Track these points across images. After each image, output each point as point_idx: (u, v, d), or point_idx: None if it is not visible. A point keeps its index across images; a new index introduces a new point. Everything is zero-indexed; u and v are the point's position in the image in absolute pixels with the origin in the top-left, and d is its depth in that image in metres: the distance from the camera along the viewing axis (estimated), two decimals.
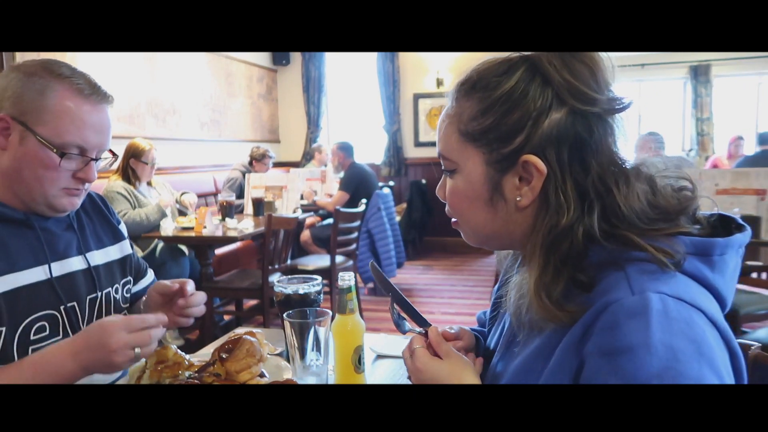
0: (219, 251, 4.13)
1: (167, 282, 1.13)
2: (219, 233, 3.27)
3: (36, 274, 1.02)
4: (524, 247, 0.73)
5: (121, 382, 1.04)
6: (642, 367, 0.56)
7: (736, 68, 6.79)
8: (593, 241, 0.65)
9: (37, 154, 0.98)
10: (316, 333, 0.96)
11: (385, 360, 1.18)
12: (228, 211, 3.60)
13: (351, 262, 4.11)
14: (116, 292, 1.18)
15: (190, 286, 1.09)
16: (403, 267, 5.26)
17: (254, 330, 1.03)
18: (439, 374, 0.76)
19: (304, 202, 4.76)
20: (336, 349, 0.96)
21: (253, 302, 3.81)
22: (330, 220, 4.61)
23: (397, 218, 5.09)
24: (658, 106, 7.38)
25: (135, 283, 1.27)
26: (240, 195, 4.46)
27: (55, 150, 0.98)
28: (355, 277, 0.98)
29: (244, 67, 6.48)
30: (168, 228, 3.23)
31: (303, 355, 0.97)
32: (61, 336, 1.03)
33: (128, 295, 1.23)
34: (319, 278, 1.13)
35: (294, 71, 7.17)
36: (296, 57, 7.15)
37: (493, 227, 0.73)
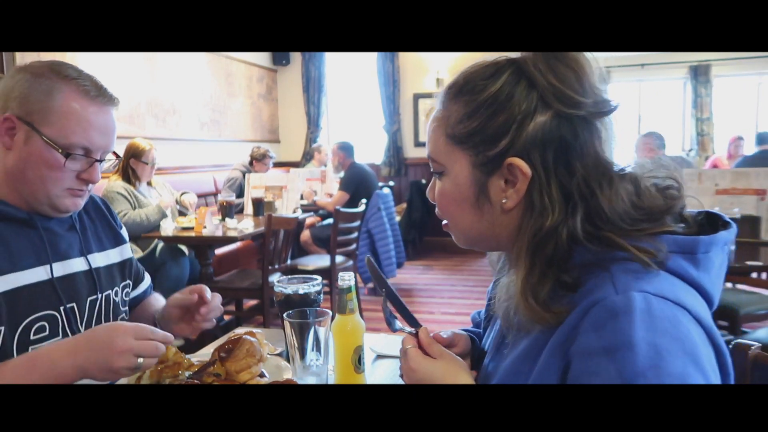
0: (219, 251, 4.13)
1: (182, 295, 1.12)
2: (219, 233, 3.27)
3: (37, 274, 1.02)
4: (511, 249, 0.73)
5: (121, 382, 1.04)
6: (626, 366, 0.56)
7: (736, 68, 6.79)
8: (577, 243, 0.65)
9: (42, 154, 0.98)
10: (316, 333, 0.96)
11: (385, 360, 1.18)
12: (228, 211, 3.60)
13: (351, 262, 4.11)
14: (116, 294, 1.18)
15: (207, 291, 1.09)
16: (403, 267, 5.26)
17: (254, 330, 1.03)
18: (433, 374, 0.76)
19: (304, 202, 4.76)
20: (336, 349, 0.96)
21: (253, 302, 3.81)
22: (330, 220, 4.61)
23: (397, 218, 5.09)
24: (658, 106, 7.38)
25: (134, 287, 1.27)
26: (240, 195, 4.46)
27: (60, 150, 0.98)
28: (355, 277, 0.98)
29: (244, 67, 6.48)
30: (168, 228, 3.23)
31: (303, 355, 0.97)
32: (60, 337, 1.03)
33: (127, 299, 1.23)
34: (319, 278, 1.13)
35: (294, 71, 7.17)
36: (296, 57, 7.15)
37: (480, 229, 0.74)
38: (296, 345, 0.97)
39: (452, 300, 4.62)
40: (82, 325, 1.07)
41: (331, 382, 1.00)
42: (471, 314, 1.06)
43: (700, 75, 6.89)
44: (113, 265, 1.19)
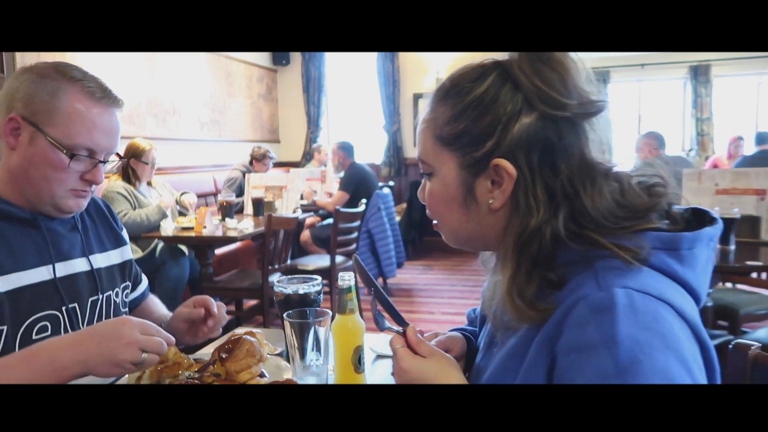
0: (219, 251, 4.13)
1: (187, 308, 1.12)
2: (219, 233, 3.27)
3: (40, 274, 1.02)
4: (498, 249, 0.74)
5: (121, 382, 1.04)
6: (610, 362, 0.57)
7: (736, 68, 6.79)
8: (560, 242, 0.66)
9: (47, 154, 0.99)
10: (316, 333, 0.96)
11: (385, 360, 1.18)
12: (228, 211, 3.60)
13: (351, 262, 4.11)
14: (117, 295, 1.18)
15: (213, 304, 1.09)
16: (403, 267, 5.26)
17: (254, 330, 1.03)
18: (425, 373, 0.76)
19: (304, 202, 4.76)
20: (336, 349, 0.96)
21: (253, 302, 3.81)
22: (330, 220, 4.61)
23: (397, 218, 5.09)
24: (658, 106, 7.38)
25: (132, 289, 1.28)
26: (240, 195, 4.45)
27: (64, 151, 0.99)
28: (355, 277, 0.98)
29: (244, 67, 6.48)
30: (168, 228, 3.23)
31: (303, 355, 0.97)
32: None
33: (127, 300, 1.23)
34: (319, 278, 1.13)
35: (294, 71, 7.17)
36: (296, 57, 7.15)
37: (467, 229, 0.75)
38: (296, 345, 0.97)
39: (452, 300, 4.62)
40: (83, 325, 1.08)
41: (331, 382, 0.99)
42: (467, 312, 1.06)
43: (700, 75, 6.89)
44: (114, 266, 1.20)
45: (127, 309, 1.23)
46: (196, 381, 0.93)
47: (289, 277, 1.14)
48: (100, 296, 1.12)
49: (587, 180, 0.67)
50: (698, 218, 0.71)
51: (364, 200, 4.35)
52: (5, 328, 0.95)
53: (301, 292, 1.09)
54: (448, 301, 4.60)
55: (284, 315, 0.98)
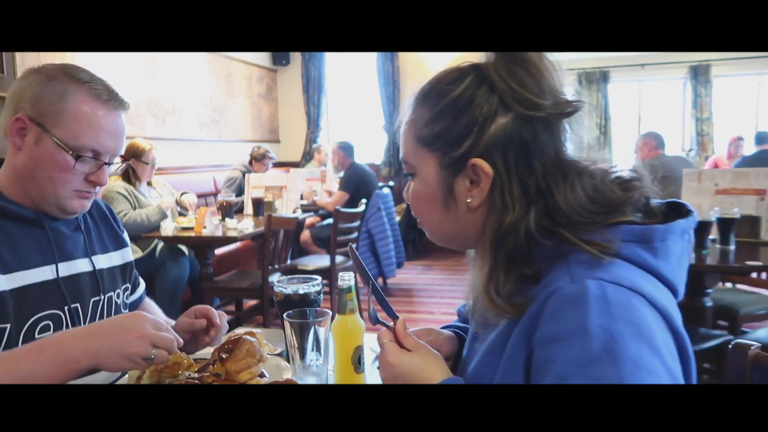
0: (219, 251, 4.13)
1: (189, 319, 1.12)
2: (219, 233, 3.27)
3: (43, 273, 1.03)
4: (477, 247, 0.76)
5: (121, 382, 1.04)
6: (582, 351, 0.58)
7: (736, 68, 6.79)
8: (533, 238, 0.68)
9: (53, 155, 1.00)
10: (316, 333, 0.96)
11: None
12: (228, 211, 3.60)
13: (351, 262, 4.11)
14: (118, 297, 1.19)
15: (215, 314, 1.08)
16: (403, 267, 5.26)
17: (254, 330, 1.03)
18: (412, 367, 0.77)
19: (304, 202, 4.75)
20: (336, 349, 0.96)
21: (253, 302, 3.81)
22: (330, 220, 4.61)
23: (397, 218, 5.09)
24: (658, 106, 7.38)
25: (131, 292, 1.28)
26: (240, 195, 4.45)
27: (70, 152, 1.00)
28: (355, 277, 0.98)
29: (244, 67, 6.48)
30: (168, 228, 3.23)
31: (303, 355, 0.97)
32: None
33: (128, 301, 1.24)
34: (319, 278, 1.13)
35: (294, 71, 7.17)
36: (296, 57, 7.14)
37: (448, 227, 0.77)
38: (296, 345, 0.97)
39: (452, 300, 4.61)
40: (85, 325, 1.08)
41: (331, 382, 1.00)
42: (457, 308, 1.06)
43: (700, 75, 6.89)
44: (115, 268, 1.20)
45: (127, 310, 1.23)
46: (196, 381, 0.93)
47: (289, 277, 1.14)
48: (102, 297, 1.13)
49: (560, 177, 0.69)
50: (675, 211, 0.73)
51: (364, 200, 4.35)
52: (9, 326, 0.95)
53: (301, 292, 1.09)
54: (448, 301, 4.60)
55: (284, 315, 0.98)
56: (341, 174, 4.97)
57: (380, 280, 4.85)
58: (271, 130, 7.19)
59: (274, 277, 3.22)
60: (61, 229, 1.09)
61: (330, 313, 0.98)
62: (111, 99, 1.04)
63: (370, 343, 1.20)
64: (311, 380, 0.98)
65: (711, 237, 2.28)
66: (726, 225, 2.28)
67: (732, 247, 2.27)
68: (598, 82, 7.14)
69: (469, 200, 0.73)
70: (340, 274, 0.96)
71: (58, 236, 1.07)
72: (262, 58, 6.94)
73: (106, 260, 1.18)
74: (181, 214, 3.63)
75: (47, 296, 1.02)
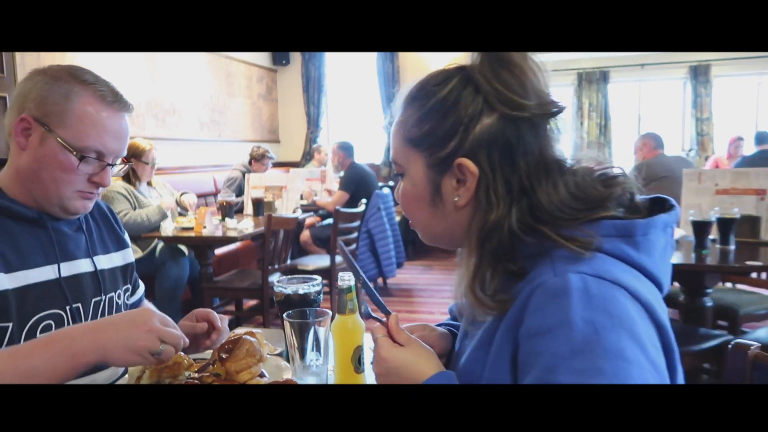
0: (219, 251, 4.13)
1: (190, 323, 1.11)
2: (219, 233, 3.27)
3: (45, 273, 1.03)
4: (463, 245, 0.77)
5: (121, 382, 1.04)
6: (566, 344, 0.59)
7: (736, 68, 6.79)
8: (515, 235, 0.69)
9: (57, 155, 1.00)
10: (316, 333, 0.96)
11: None
12: (228, 211, 3.60)
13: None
14: (119, 297, 1.19)
15: (216, 317, 1.08)
16: (403, 267, 5.26)
17: (254, 330, 1.03)
18: (404, 362, 0.78)
19: (304, 202, 4.75)
20: (336, 349, 0.96)
21: (253, 302, 3.81)
22: (330, 220, 4.61)
23: (397, 218, 5.09)
24: (658, 106, 7.38)
25: (132, 293, 1.28)
26: (240, 195, 4.45)
27: (74, 153, 1.00)
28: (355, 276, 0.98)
29: (244, 67, 6.48)
30: (168, 228, 3.23)
31: (303, 355, 0.97)
32: None
33: (129, 302, 1.24)
34: (319, 278, 1.13)
35: (294, 71, 7.17)
36: (296, 57, 7.15)
37: (437, 226, 0.79)
38: (296, 345, 0.97)
39: (452, 300, 4.60)
40: None
41: (331, 382, 1.00)
42: (449, 306, 1.07)
43: (700, 75, 6.89)
44: (116, 269, 1.21)
45: None
46: (196, 381, 0.93)
47: (289, 277, 1.14)
48: (103, 297, 1.13)
49: (543, 176, 0.70)
50: (659, 206, 0.74)
51: (363, 200, 4.35)
52: (11, 325, 0.96)
53: (301, 292, 1.09)
54: (448, 301, 4.58)
55: (284, 315, 0.98)
56: (341, 174, 4.97)
57: (380, 280, 4.85)
58: (271, 130, 7.19)
59: (274, 277, 3.22)
60: (63, 229, 1.09)
61: (330, 313, 0.98)
62: (115, 101, 1.05)
63: (370, 343, 1.20)
64: (311, 380, 0.98)
65: (711, 237, 2.28)
66: (726, 225, 2.28)
67: (732, 247, 2.27)
68: (598, 82, 7.14)
69: (456, 199, 0.74)
70: (340, 274, 0.96)
71: (60, 236, 1.08)
72: (262, 58, 6.94)
73: (107, 261, 1.18)
74: (181, 214, 3.63)
75: (49, 296, 1.02)
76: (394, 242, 4.76)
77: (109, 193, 3.20)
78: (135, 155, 3.32)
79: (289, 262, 3.60)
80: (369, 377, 1.01)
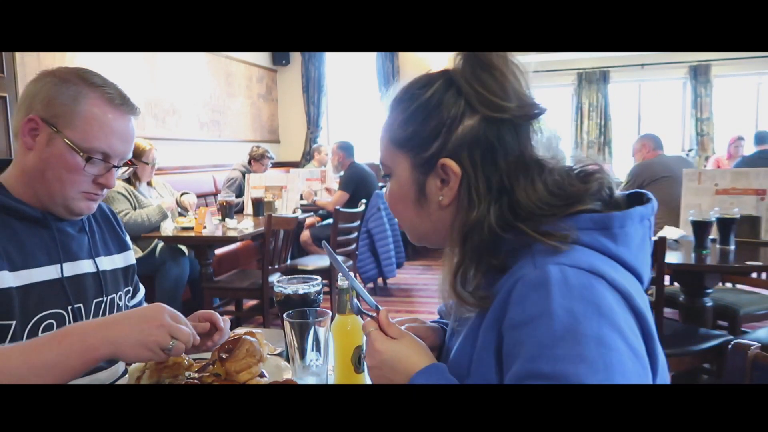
0: (219, 251, 4.13)
1: (193, 323, 1.11)
2: (219, 233, 3.27)
3: (48, 272, 1.04)
4: (448, 243, 0.79)
5: (121, 382, 1.04)
6: (547, 333, 0.61)
7: (736, 68, 6.79)
8: (496, 233, 0.71)
9: (64, 156, 1.01)
10: (315, 333, 0.96)
11: None
12: (228, 211, 3.60)
13: (351, 262, 4.11)
14: (120, 299, 1.19)
15: (219, 318, 1.08)
16: (403, 267, 5.26)
17: (254, 330, 1.03)
18: (397, 354, 0.79)
19: (304, 202, 4.75)
20: (336, 349, 0.96)
21: (253, 302, 3.81)
22: (330, 220, 4.61)
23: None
24: (657, 106, 7.38)
25: (133, 296, 1.28)
26: (240, 195, 4.45)
27: (81, 154, 1.01)
28: (355, 277, 0.99)
29: (244, 67, 6.48)
30: (168, 228, 3.23)
31: (303, 355, 0.97)
32: None
33: (130, 304, 1.24)
34: (319, 278, 1.13)
35: (294, 71, 7.17)
36: (296, 57, 7.15)
37: (423, 225, 0.81)
38: (296, 345, 0.97)
39: None
40: None
41: (330, 382, 1.00)
42: (438, 307, 1.07)
43: (700, 75, 6.89)
44: (118, 270, 1.21)
45: None
46: (196, 381, 0.94)
47: (289, 277, 1.14)
48: (105, 298, 1.13)
49: (522, 175, 0.72)
50: (637, 201, 0.75)
51: (363, 200, 4.35)
52: (14, 323, 0.96)
53: (301, 292, 1.09)
54: None
55: (284, 315, 0.98)
56: (341, 174, 4.97)
57: (380, 280, 4.85)
58: (271, 130, 7.19)
59: (274, 277, 3.22)
60: (67, 230, 1.10)
61: (330, 313, 0.99)
62: (123, 103, 1.06)
63: None
64: (311, 380, 0.98)
65: (711, 237, 2.28)
66: (726, 225, 2.28)
67: (732, 247, 2.27)
68: (598, 82, 7.14)
69: (440, 198, 0.76)
70: (340, 274, 0.96)
71: (63, 236, 1.09)
72: (262, 58, 6.95)
73: (109, 262, 1.18)
74: (181, 215, 3.63)
75: (51, 295, 1.03)
76: (394, 242, 4.76)
77: (110, 193, 3.20)
78: (135, 155, 3.31)
79: (289, 262, 3.60)
80: (369, 377, 1.01)
